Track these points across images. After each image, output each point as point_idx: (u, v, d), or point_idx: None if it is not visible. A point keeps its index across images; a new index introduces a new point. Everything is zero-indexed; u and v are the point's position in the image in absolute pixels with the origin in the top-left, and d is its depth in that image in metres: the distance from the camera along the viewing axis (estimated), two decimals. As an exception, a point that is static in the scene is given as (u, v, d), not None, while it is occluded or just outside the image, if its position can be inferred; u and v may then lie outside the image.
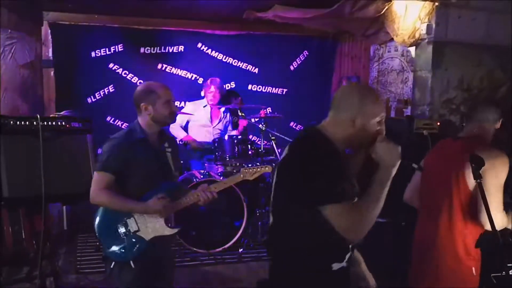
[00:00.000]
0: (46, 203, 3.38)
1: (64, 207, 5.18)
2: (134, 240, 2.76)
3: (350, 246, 2.11)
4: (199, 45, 6.61)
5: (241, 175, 3.08)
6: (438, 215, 2.68)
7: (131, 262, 2.71)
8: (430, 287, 2.67)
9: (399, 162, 1.98)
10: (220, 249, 4.93)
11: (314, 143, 2.05)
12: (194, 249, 4.92)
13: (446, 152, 2.80)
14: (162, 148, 2.93)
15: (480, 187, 2.24)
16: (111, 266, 2.78)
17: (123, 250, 2.74)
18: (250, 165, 3.25)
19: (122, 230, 2.76)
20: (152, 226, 2.79)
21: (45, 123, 3.41)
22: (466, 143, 2.69)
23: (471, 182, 2.52)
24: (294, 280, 2.08)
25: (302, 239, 2.05)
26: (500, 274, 2.50)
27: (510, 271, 2.46)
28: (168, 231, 2.83)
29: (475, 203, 2.51)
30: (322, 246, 2.03)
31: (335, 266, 2.07)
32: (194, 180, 4.96)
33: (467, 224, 2.58)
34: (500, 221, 2.48)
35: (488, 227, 2.42)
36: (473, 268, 2.58)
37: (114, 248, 2.76)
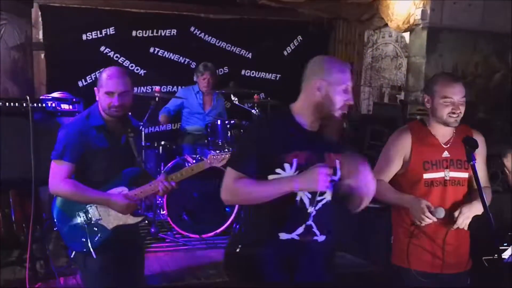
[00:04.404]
0: (36, 185, 3.35)
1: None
2: (95, 229, 2.67)
3: (307, 223, 2.15)
4: (192, 29, 6.54)
5: (208, 161, 2.94)
6: None
7: (93, 252, 2.64)
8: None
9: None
10: (212, 234, 4.92)
11: (265, 118, 2.34)
12: (186, 234, 4.91)
13: None
14: (124, 135, 2.78)
15: (473, 169, 2.23)
16: (71, 256, 2.71)
17: (84, 240, 2.65)
18: (218, 151, 3.09)
19: (83, 218, 2.67)
20: (114, 214, 2.69)
21: (35, 104, 3.37)
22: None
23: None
24: (243, 249, 2.19)
25: (251, 206, 2.21)
26: (491, 257, 2.51)
27: (503, 254, 2.46)
28: (131, 220, 2.74)
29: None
30: (269, 215, 2.14)
31: (283, 236, 2.15)
32: (186, 164, 4.93)
33: None
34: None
35: None
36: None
37: (74, 237, 2.67)
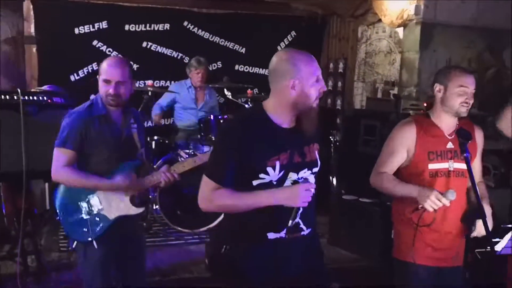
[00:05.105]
0: (27, 179, 3.31)
1: (47, 184, 5.10)
2: (97, 219, 2.67)
3: (292, 221, 2.08)
4: (185, 23, 6.51)
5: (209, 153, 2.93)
6: None
7: (94, 242, 2.64)
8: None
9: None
10: (205, 228, 4.90)
11: (238, 121, 2.23)
12: (179, 228, 4.89)
13: None
14: (127, 125, 2.80)
15: (467, 161, 2.24)
16: (73, 246, 2.71)
17: (85, 230, 2.66)
18: None
19: (85, 208, 2.67)
20: (116, 205, 2.69)
21: (26, 97, 3.34)
22: None
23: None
24: (232, 249, 2.15)
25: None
26: (484, 249, 2.52)
27: (495, 246, 2.47)
28: (133, 211, 2.74)
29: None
30: (256, 215, 2.07)
31: (271, 235, 2.12)
32: (180, 159, 4.91)
33: None
34: None
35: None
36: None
37: (76, 227, 2.67)
